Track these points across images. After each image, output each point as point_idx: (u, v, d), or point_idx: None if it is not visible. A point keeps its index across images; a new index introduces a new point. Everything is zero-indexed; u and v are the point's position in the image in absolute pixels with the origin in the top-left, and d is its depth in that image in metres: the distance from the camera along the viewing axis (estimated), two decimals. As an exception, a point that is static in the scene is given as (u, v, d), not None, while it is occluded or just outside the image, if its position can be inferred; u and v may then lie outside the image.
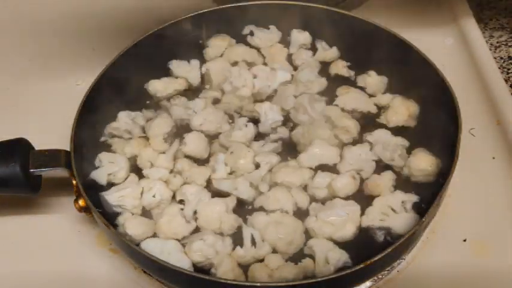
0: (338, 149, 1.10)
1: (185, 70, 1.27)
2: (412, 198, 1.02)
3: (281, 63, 1.27)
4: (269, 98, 1.22)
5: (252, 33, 1.32)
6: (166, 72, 1.28)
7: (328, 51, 1.29)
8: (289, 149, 1.13)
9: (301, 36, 1.31)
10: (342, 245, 0.98)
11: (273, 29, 1.33)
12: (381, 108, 1.19)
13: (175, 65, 1.27)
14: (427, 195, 1.01)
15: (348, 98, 1.19)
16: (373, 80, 1.23)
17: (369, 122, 1.17)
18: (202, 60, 1.29)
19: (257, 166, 1.08)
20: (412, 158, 1.07)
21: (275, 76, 1.22)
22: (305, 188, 1.06)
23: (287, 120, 1.17)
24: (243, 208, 1.05)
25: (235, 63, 1.27)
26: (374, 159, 1.09)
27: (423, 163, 1.05)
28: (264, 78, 1.23)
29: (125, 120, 1.17)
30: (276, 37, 1.32)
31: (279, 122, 1.15)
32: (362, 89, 1.22)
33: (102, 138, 1.15)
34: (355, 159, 1.08)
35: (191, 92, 1.25)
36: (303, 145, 1.12)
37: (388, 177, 1.06)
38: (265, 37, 1.31)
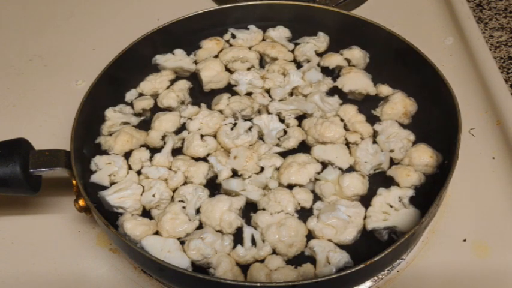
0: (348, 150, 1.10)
1: (174, 60, 1.26)
2: (408, 192, 1.02)
3: (286, 62, 1.25)
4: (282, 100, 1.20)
5: (234, 36, 1.31)
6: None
7: (319, 39, 1.28)
8: (293, 150, 1.12)
9: (279, 32, 1.30)
10: (343, 245, 0.98)
11: (253, 28, 1.32)
12: (381, 97, 1.19)
13: (163, 59, 1.26)
14: (425, 188, 1.02)
15: (347, 78, 1.18)
16: (357, 53, 1.24)
17: (370, 105, 1.17)
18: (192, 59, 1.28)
19: (262, 169, 1.08)
20: (413, 149, 1.07)
21: (288, 80, 1.21)
22: (314, 183, 1.05)
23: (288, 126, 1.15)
24: (251, 208, 1.04)
25: (228, 64, 1.26)
26: (389, 150, 1.08)
27: (424, 154, 1.05)
28: (277, 82, 1.21)
29: (114, 115, 1.17)
30: (259, 36, 1.31)
31: (281, 130, 1.14)
32: (347, 61, 1.23)
33: (102, 139, 1.14)
34: (367, 156, 1.07)
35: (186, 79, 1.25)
36: (312, 138, 1.11)
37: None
38: (247, 37, 1.30)
